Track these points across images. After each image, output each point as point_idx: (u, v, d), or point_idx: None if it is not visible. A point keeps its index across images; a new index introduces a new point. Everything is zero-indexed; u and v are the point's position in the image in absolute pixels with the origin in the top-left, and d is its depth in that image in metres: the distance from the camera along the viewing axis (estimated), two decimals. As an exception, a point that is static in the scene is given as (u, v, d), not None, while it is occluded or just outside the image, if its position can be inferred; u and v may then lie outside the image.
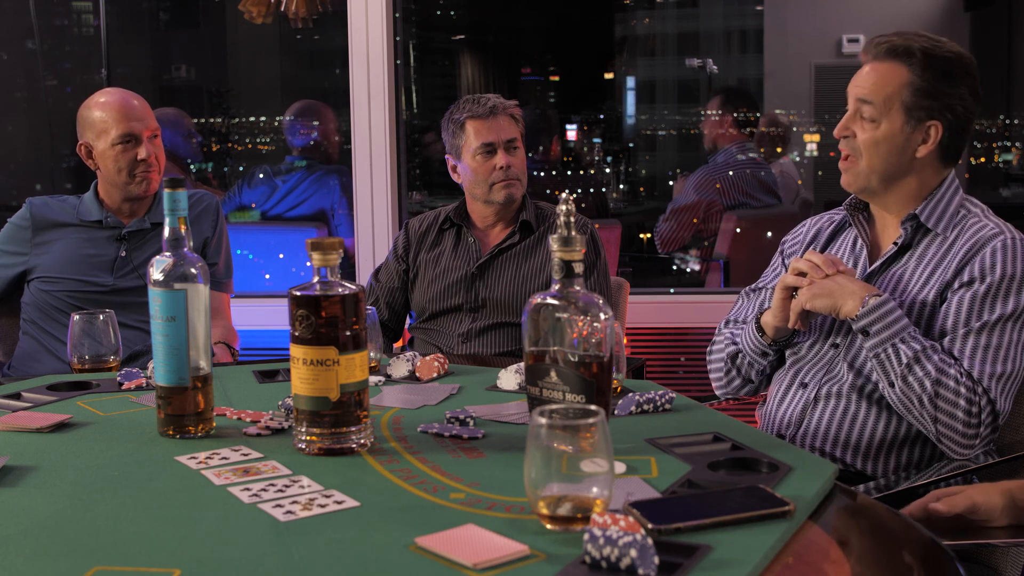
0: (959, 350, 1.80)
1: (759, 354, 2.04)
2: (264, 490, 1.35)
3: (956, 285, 1.84)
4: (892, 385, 1.80)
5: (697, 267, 4.88)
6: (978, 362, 1.79)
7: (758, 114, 4.84)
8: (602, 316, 1.44)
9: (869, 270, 1.96)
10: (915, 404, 1.78)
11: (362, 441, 1.52)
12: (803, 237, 2.14)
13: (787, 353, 2.04)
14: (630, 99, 6.44)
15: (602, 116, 6.45)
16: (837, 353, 1.95)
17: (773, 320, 1.97)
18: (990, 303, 1.81)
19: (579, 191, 5.34)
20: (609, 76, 6.57)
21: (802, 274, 1.89)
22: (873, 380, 1.87)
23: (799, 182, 5.10)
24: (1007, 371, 1.80)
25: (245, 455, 1.52)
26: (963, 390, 1.76)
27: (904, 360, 1.78)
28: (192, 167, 4.98)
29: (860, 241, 2.01)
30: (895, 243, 1.95)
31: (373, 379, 1.97)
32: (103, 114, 2.72)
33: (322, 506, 1.29)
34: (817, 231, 2.12)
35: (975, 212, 1.93)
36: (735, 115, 4.58)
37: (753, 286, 2.18)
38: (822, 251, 2.09)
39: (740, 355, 2.09)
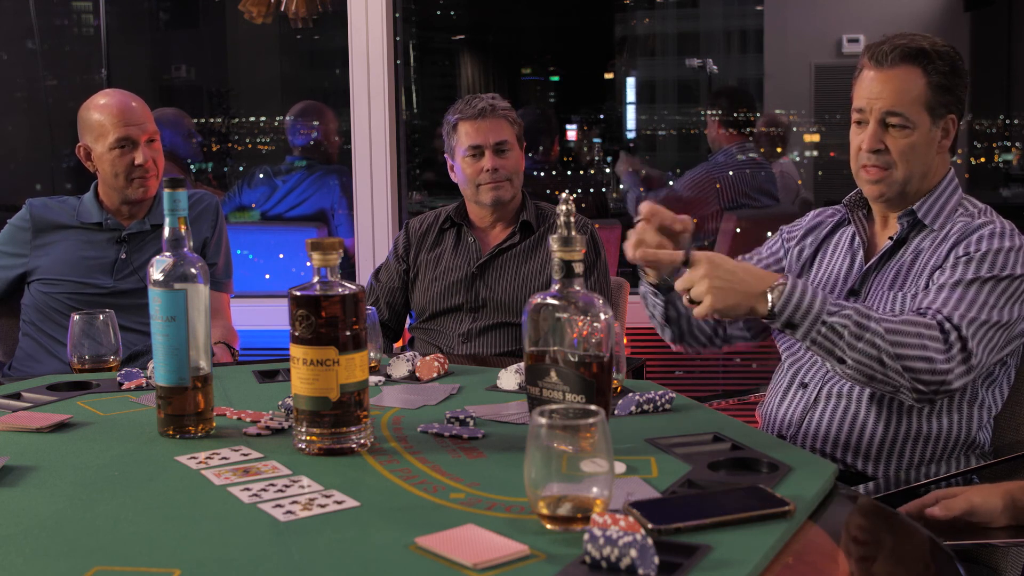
0: (931, 299, 1.78)
1: (651, 293, 2.01)
2: (264, 490, 1.35)
3: (944, 266, 1.85)
4: (843, 361, 1.71)
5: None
6: (950, 307, 1.75)
7: (758, 114, 4.84)
8: (602, 316, 1.44)
9: (866, 267, 1.96)
10: (876, 365, 1.69)
11: (362, 441, 1.52)
12: (804, 223, 2.14)
13: (784, 354, 2.05)
14: (630, 99, 6.43)
15: (602, 116, 6.45)
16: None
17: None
18: (974, 267, 1.80)
19: (579, 191, 5.33)
20: (609, 76, 6.57)
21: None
22: None
23: (799, 182, 5.10)
24: (980, 317, 1.75)
25: (245, 455, 1.52)
26: (922, 320, 1.72)
27: (844, 330, 1.69)
28: (192, 167, 4.98)
29: (858, 239, 2.01)
30: (891, 238, 1.95)
31: (373, 379, 1.97)
32: (101, 117, 2.71)
33: (322, 506, 1.29)
34: (819, 222, 2.12)
35: (971, 211, 1.94)
36: (735, 115, 4.57)
37: (747, 256, 2.15)
38: (820, 244, 2.09)
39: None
